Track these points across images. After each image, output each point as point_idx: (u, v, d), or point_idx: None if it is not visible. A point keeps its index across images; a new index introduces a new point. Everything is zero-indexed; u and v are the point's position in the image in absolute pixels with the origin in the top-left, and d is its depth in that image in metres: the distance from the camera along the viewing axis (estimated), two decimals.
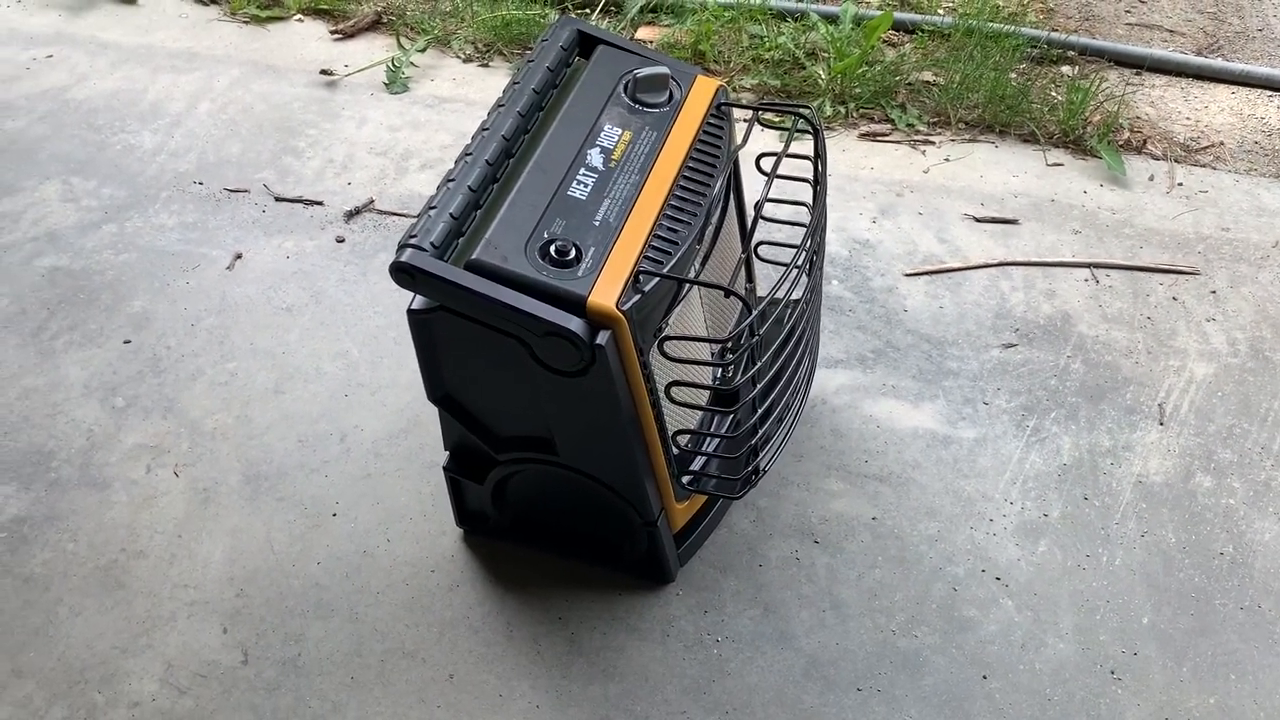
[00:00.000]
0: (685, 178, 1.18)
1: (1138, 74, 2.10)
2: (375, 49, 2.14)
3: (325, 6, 2.23)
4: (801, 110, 1.27)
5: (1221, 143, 1.96)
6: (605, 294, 1.05)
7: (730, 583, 1.34)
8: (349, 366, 1.58)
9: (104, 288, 1.68)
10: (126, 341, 1.61)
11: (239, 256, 1.73)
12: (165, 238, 1.77)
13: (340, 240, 1.76)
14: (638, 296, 1.07)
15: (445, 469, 1.31)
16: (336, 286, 1.69)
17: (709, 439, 1.33)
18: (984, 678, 1.26)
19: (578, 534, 1.34)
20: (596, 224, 1.11)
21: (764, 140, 1.89)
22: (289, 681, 1.26)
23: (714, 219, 1.25)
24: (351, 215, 1.80)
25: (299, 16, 2.23)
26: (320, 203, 1.82)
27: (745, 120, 1.26)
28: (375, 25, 2.21)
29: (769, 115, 1.94)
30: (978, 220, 1.79)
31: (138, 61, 2.11)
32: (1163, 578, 1.35)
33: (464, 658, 1.28)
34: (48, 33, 2.17)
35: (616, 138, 1.19)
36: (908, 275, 1.71)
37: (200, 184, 1.86)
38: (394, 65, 2.06)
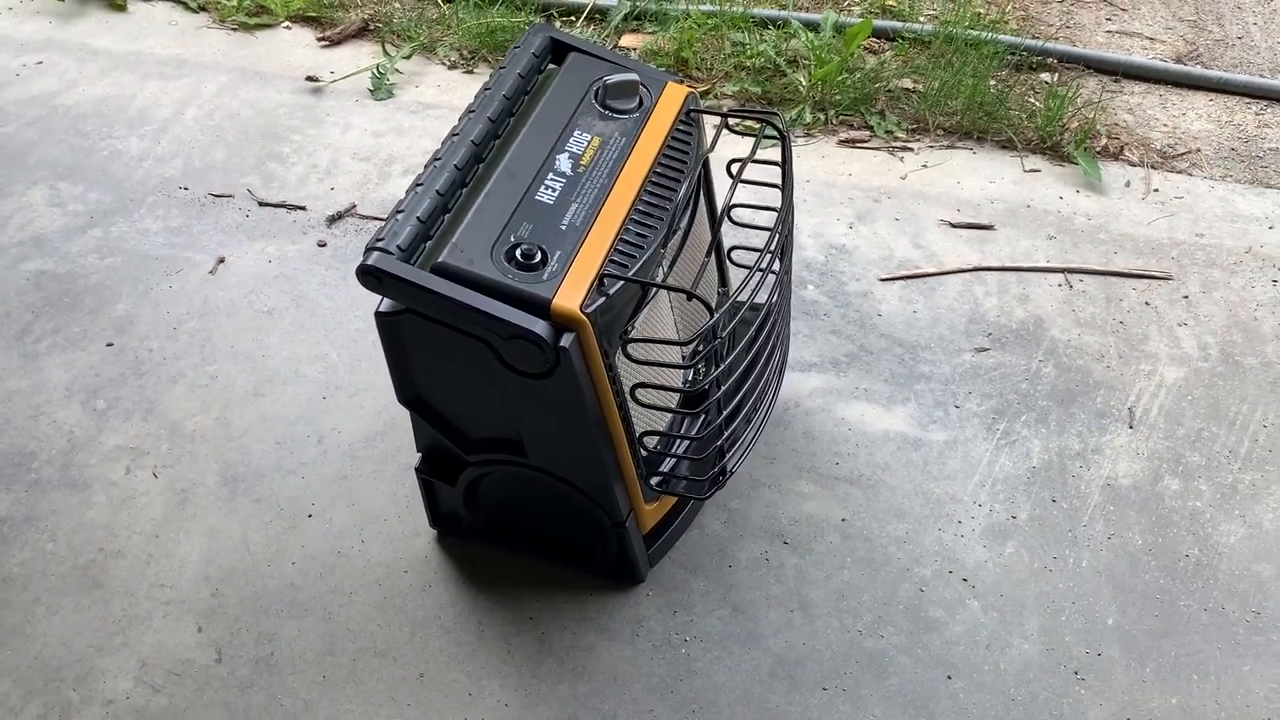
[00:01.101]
0: (653, 183, 1.20)
1: (1116, 81, 2.11)
2: (361, 56, 2.16)
3: (313, 14, 2.25)
4: (769, 117, 1.29)
5: (1198, 149, 1.97)
6: (569, 297, 1.07)
7: (700, 583, 1.36)
8: (328, 369, 1.59)
9: (88, 291, 1.70)
10: (109, 344, 1.63)
11: (222, 261, 1.75)
12: (150, 242, 1.78)
13: (322, 245, 1.78)
14: (602, 299, 1.08)
15: (417, 470, 1.32)
16: (317, 290, 1.71)
17: (677, 440, 1.35)
18: (949, 678, 1.28)
19: (549, 535, 1.36)
20: (563, 228, 1.12)
21: (740, 146, 1.90)
22: (261, 680, 1.28)
23: (681, 223, 1.26)
24: (334, 220, 1.82)
25: (287, 24, 2.25)
26: (303, 208, 1.84)
27: (716, 126, 1.27)
28: (362, 32, 2.23)
29: (745, 121, 1.96)
30: (954, 226, 1.81)
31: (127, 68, 2.13)
32: (1128, 579, 1.36)
33: (435, 657, 1.29)
34: (38, 39, 2.20)
35: (586, 143, 1.21)
36: (883, 280, 1.72)
37: (185, 189, 1.88)
38: (379, 72, 2.08)
